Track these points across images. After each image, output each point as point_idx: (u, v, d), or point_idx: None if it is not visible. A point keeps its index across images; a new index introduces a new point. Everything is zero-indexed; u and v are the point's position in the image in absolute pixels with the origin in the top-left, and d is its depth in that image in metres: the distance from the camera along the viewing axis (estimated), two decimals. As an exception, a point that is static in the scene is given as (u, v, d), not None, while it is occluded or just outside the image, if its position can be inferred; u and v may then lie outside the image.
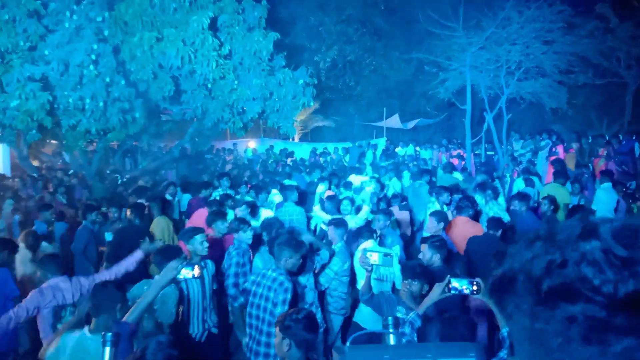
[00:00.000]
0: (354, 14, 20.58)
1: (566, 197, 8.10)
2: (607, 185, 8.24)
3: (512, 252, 0.53)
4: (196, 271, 3.16)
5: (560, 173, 8.79)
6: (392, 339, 2.13)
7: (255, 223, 6.18)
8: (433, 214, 5.95)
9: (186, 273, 3.16)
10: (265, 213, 7.19)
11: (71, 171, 12.84)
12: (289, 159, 16.54)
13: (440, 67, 15.71)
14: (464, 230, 6.11)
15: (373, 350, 1.65)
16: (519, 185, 9.57)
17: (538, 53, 13.56)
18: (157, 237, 6.70)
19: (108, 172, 13.22)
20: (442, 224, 5.75)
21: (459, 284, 2.87)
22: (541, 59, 13.67)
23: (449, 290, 2.88)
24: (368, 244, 5.37)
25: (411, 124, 20.62)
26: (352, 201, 7.52)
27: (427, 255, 4.41)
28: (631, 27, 16.49)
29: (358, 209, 7.64)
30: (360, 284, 4.47)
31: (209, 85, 11.93)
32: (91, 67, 10.59)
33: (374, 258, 3.89)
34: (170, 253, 4.26)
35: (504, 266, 0.53)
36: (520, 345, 0.51)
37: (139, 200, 7.52)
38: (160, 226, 6.81)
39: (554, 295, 0.47)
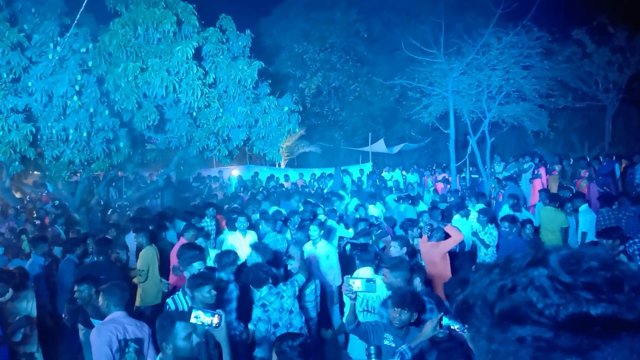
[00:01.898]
0: (337, 42, 20.92)
1: (564, 221, 8.16)
2: (584, 206, 8.37)
3: (474, 279, 0.56)
4: (215, 320, 2.95)
5: (554, 197, 8.85)
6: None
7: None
8: (396, 238, 6.11)
9: (204, 319, 2.94)
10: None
11: (57, 202, 12.66)
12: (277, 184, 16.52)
13: (423, 92, 15.97)
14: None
15: None
16: (505, 209, 9.64)
17: (518, 78, 13.87)
18: (141, 267, 6.58)
19: (92, 203, 13.06)
20: (405, 249, 5.89)
21: (450, 322, 2.89)
22: (521, 84, 13.98)
23: (441, 327, 2.89)
24: (365, 271, 5.30)
25: (396, 149, 20.81)
26: (321, 226, 7.42)
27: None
28: (607, 52, 17.00)
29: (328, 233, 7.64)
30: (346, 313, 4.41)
31: (194, 114, 11.95)
32: (75, 97, 10.56)
33: (357, 285, 3.83)
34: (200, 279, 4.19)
35: (465, 292, 0.56)
36: None
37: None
38: (146, 256, 6.69)
39: (506, 318, 0.49)
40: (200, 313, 2.95)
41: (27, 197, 13.95)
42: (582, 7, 19.05)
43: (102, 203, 13.04)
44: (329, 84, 21.32)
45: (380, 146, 20.40)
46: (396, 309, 3.72)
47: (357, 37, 21.51)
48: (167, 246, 7.54)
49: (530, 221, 7.69)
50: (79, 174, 13.04)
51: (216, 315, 2.94)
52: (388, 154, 21.47)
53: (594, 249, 0.53)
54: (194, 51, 11.41)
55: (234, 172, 19.49)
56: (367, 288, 3.80)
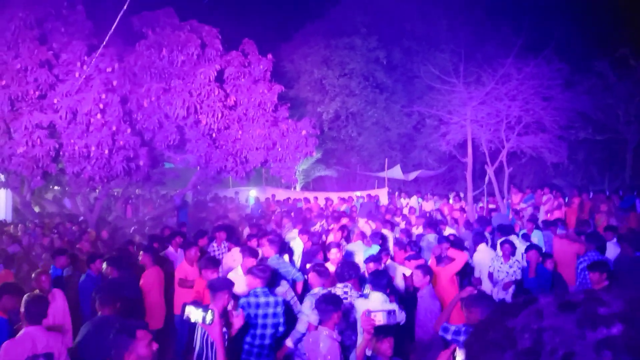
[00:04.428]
0: (356, 69, 21.11)
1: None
2: (613, 240, 8.15)
3: (549, 325, 0.53)
4: (208, 316, 2.89)
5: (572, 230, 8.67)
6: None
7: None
8: (418, 267, 5.96)
9: (196, 315, 2.90)
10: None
11: (81, 218, 12.76)
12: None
13: (441, 120, 15.97)
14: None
15: None
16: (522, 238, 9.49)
17: (538, 108, 13.82)
18: (143, 288, 6.50)
19: (110, 219, 13.20)
20: (428, 277, 5.77)
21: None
22: (541, 115, 13.91)
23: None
24: (377, 297, 5.01)
25: (413, 175, 20.73)
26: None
27: None
28: (629, 85, 16.88)
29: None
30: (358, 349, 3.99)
31: (214, 135, 12.12)
32: (99, 115, 10.78)
33: (379, 318, 3.61)
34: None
35: (532, 336, 0.53)
36: None
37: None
38: (149, 278, 6.63)
39: None
40: (192, 309, 2.92)
41: (46, 212, 14.13)
42: (603, 39, 19.04)
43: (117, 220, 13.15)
44: (347, 109, 21.46)
45: (396, 172, 20.35)
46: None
47: (376, 64, 21.69)
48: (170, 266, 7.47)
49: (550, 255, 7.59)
50: (98, 191, 13.22)
51: (209, 312, 2.91)
52: (404, 181, 21.39)
53: None
54: (216, 74, 11.63)
55: (252, 192, 19.58)
56: (389, 320, 3.63)
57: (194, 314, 2.93)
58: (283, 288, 5.72)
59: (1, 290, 4.94)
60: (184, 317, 2.95)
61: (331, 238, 8.63)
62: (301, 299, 5.80)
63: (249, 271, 5.12)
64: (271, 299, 4.87)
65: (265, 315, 4.78)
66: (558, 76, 13.85)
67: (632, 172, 17.30)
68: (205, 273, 5.73)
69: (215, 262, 5.93)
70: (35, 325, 4.05)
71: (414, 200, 17.72)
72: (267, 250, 7.00)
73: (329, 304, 4.13)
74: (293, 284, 6.52)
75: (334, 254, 6.75)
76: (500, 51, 15.52)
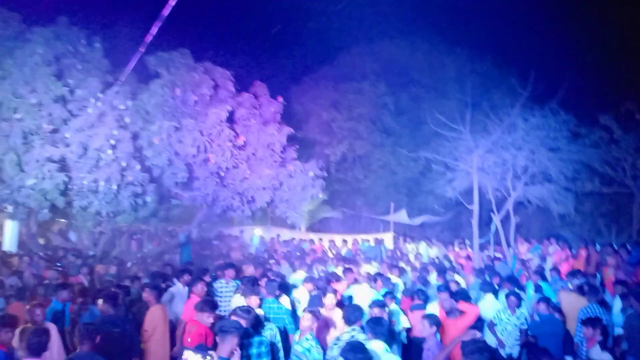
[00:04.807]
0: (364, 113, 21.44)
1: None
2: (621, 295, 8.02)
3: None
4: None
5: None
6: None
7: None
8: (425, 317, 5.86)
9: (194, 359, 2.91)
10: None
11: (91, 252, 12.71)
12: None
13: (447, 166, 16.02)
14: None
15: None
16: (529, 289, 9.36)
17: (544, 159, 13.85)
18: (146, 327, 6.36)
19: (114, 254, 13.16)
20: (434, 328, 5.67)
21: None
22: (547, 165, 13.92)
23: None
24: (377, 345, 4.81)
25: (418, 220, 20.65)
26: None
27: None
28: (636, 139, 16.95)
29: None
30: None
31: (222, 173, 12.24)
32: (109, 151, 10.94)
33: None
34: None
35: None
36: None
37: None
38: (153, 316, 6.47)
39: None
40: (190, 353, 2.90)
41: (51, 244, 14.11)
42: (610, 93, 19.27)
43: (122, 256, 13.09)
44: (354, 152, 21.64)
45: (402, 216, 20.29)
46: None
47: (384, 109, 22.02)
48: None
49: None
50: (103, 225, 13.24)
51: (207, 357, 2.87)
52: (409, 225, 21.29)
53: None
54: (227, 114, 11.86)
55: (257, 231, 19.51)
56: None
57: (192, 358, 2.90)
58: (269, 332, 5.58)
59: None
60: None
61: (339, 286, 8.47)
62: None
63: (232, 312, 5.09)
64: (255, 339, 4.83)
65: (248, 357, 4.72)
66: (564, 128, 13.96)
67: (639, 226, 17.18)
68: (200, 316, 5.55)
69: (213, 306, 5.80)
70: (35, 358, 4.02)
71: (422, 247, 17.53)
72: (264, 291, 6.94)
73: (358, 353, 4.06)
74: (285, 333, 6.39)
75: (330, 300, 6.63)
76: (506, 100, 15.74)
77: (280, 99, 13.40)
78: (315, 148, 21.34)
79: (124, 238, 14.04)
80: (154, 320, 6.41)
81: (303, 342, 5.25)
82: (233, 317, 4.91)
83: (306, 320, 5.43)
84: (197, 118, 11.74)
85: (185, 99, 11.93)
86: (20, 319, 5.65)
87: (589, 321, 6.04)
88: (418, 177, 21.35)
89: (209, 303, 5.77)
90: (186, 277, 8.01)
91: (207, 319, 5.47)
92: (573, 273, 9.01)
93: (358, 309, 5.65)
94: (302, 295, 8.17)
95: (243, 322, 4.80)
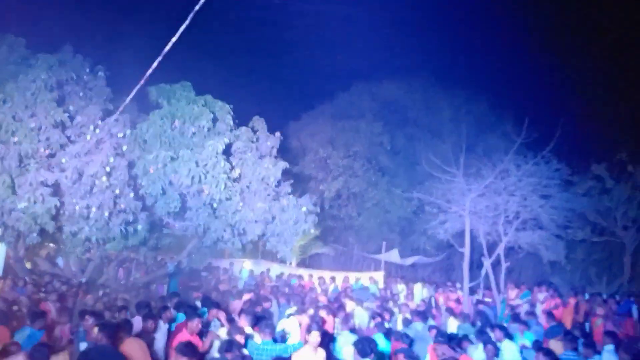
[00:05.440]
0: (360, 151, 21.68)
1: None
2: (610, 347, 7.96)
3: None
4: None
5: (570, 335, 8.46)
6: None
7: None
8: None
9: None
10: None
11: (83, 279, 12.53)
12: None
13: (440, 208, 16.11)
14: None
15: None
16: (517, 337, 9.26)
17: (535, 206, 13.97)
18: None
19: (100, 282, 13.01)
20: None
21: None
22: (539, 212, 14.04)
23: None
24: None
25: (410, 260, 20.59)
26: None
27: None
28: (627, 189, 17.15)
29: None
30: None
31: (215, 205, 12.22)
32: (104, 178, 10.95)
33: None
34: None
35: None
36: None
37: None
38: (132, 347, 6.29)
39: None
40: None
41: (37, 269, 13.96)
42: (603, 142, 19.61)
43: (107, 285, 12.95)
44: (348, 189, 21.75)
45: (393, 256, 20.24)
46: None
47: (380, 147, 22.28)
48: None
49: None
50: (92, 252, 13.13)
51: None
52: (401, 265, 21.21)
53: None
54: (224, 147, 11.94)
55: (246, 264, 19.37)
56: None
57: None
58: None
59: None
60: None
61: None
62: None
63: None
64: None
65: None
66: (556, 176, 14.14)
67: (630, 277, 17.18)
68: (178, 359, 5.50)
69: (195, 352, 5.72)
70: None
71: (417, 288, 17.32)
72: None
73: None
74: None
75: (315, 337, 6.54)
76: (500, 146, 15.98)
77: (278, 134, 13.51)
78: (310, 183, 21.45)
79: (112, 266, 13.90)
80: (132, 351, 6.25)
81: None
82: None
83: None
84: (194, 149, 11.81)
85: (184, 130, 12.03)
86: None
87: None
88: (411, 216, 21.42)
89: (190, 347, 5.70)
90: (168, 314, 7.89)
91: None
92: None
93: (372, 341, 5.96)
94: (292, 327, 8.13)
95: None
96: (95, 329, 6.19)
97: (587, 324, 10.47)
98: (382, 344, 7.84)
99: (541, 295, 12.73)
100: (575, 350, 7.00)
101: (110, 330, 6.21)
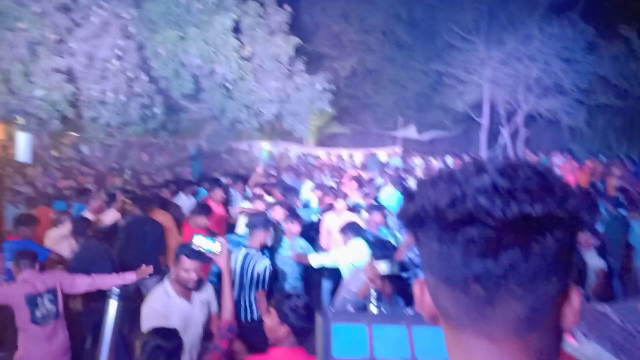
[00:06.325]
0: (375, 24, 20.69)
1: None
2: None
3: (419, 193, 0.64)
4: (217, 246, 2.96)
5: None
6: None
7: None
8: None
9: (205, 244, 2.96)
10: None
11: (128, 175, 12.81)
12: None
13: (458, 79, 15.75)
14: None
15: (354, 314, 1.75)
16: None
17: (558, 70, 13.53)
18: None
19: (125, 165, 13.45)
20: None
21: None
22: (561, 77, 13.64)
23: None
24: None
25: (427, 135, 20.61)
26: None
27: None
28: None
29: None
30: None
31: (228, 86, 12.14)
32: (115, 61, 10.85)
33: (382, 268, 3.66)
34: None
35: (415, 204, 0.64)
36: (430, 266, 0.64)
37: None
38: (160, 216, 6.44)
39: (457, 222, 0.58)
40: (201, 238, 3.04)
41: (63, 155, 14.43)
42: (632, 4, 18.31)
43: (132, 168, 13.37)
44: (364, 66, 21.17)
45: (410, 131, 20.26)
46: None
47: (396, 20, 21.19)
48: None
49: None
50: (114, 138, 13.43)
51: (217, 242, 3.04)
52: (418, 140, 21.27)
53: (525, 160, 0.64)
54: (233, 23, 11.55)
55: (265, 145, 19.69)
56: (392, 270, 3.75)
57: (204, 242, 3.03)
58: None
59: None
60: (193, 247, 3.07)
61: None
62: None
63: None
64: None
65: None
66: (582, 38, 13.48)
67: (651, 141, 16.97)
68: (194, 220, 5.75)
69: (208, 210, 5.97)
70: (30, 269, 4.15)
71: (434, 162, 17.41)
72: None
73: None
74: None
75: (340, 204, 6.74)
76: (524, 11, 15.09)
77: (288, 7, 12.93)
78: (323, 61, 20.87)
79: (135, 150, 14.27)
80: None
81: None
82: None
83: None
84: (201, 27, 11.46)
85: (189, 7, 11.59)
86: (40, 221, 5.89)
87: None
88: (428, 91, 21.00)
89: (205, 207, 5.99)
90: (192, 188, 8.21)
91: (201, 222, 5.67)
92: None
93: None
94: (313, 197, 8.42)
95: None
96: (130, 202, 6.56)
97: (601, 184, 10.58)
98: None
99: (558, 160, 12.80)
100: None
101: (142, 202, 6.54)
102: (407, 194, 0.67)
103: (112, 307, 2.57)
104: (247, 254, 4.54)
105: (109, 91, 11.00)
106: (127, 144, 14.13)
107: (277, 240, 5.30)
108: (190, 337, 3.30)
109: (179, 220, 6.66)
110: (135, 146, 14.39)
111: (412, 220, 0.65)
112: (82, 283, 4.40)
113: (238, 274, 4.46)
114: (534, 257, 0.57)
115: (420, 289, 0.70)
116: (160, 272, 4.92)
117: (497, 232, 0.57)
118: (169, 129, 13.48)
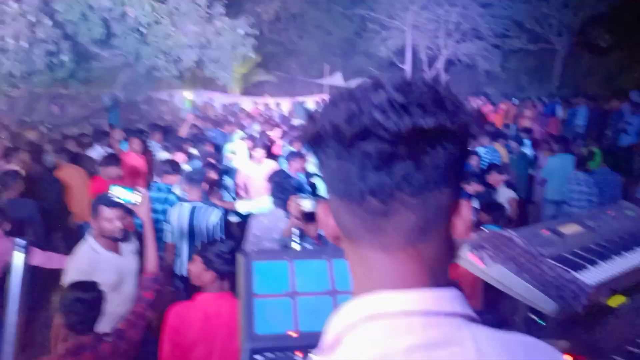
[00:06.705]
0: (298, -34, 20.08)
1: (505, 156, 8.36)
2: (528, 142, 8.67)
3: (320, 113, 0.65)
4: (135, 196, 2.86)
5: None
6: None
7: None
8: None
9: (123, 194, 2.87)
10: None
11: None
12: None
13: (382, 25, 15.78)
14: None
15: (274, 253, 1.78)
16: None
17: (475, 15, 13.90)
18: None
19: (32, 119, 12.48)
20: None
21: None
22: (478, 22, 14.04)
23: None
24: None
25: (353, 83, 20.65)
26: None
27: None
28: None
29: None
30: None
31: (142, 30, 11.41)
32: (13, 3, 9.85)
33: (306, 205, 3.80)
34: None
35: (315, 124, 0.64)
36: (331, 184, 0.66)
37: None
38: (68, 173, 6.12)
39: (354, 138, 0.60)
40: (118, 188, 2.92)
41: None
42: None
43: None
44: (287, 10, 20.64)
45: (337, 79, 20.22)
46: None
47: (319, -38, 20.67)
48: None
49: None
50: (20, 89, 12.36)
51: (135, 192, 2.93)
52: (344, 88, 21.31)
53: (421, 75, 0.66)
54: (143, -39, 10.75)
55: (187, 94, 18.94)
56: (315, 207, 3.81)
57: (121, 193, 2.90)
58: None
59: None
60: (110, 197, 2.93)
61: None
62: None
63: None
64: None
65: None
66: (497, -18, 13.87)
67: (560, 83, 18.07)
68: (105, 171, 5.50)
69: (116, 160, 5.67)
70: None
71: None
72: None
73: None
74: None
75: (258, 152, 6.65)
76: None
77: (203, -55, 12.17)
78: (245, 5, 20.06)
79: (43, 102, 13.26)
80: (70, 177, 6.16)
81: None
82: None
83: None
84: (109, -35, 10.58)
85: (94, -57, 10.61)
86: None
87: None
88: (353, 37, 20.93)
89: (113, 156, 5.73)
90: (108, 139, 7.75)
91: (113, 172, 5.41)
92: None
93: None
94: (239, 148, 8.26)
95: None
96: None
97: (513, 126, 11.22)
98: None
99: (475, 103, 13.35)
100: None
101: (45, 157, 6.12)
102: (309, 116, 0.66)
103: (18, 259, 2.41)
104: (194, 207, 4.48)
105: (9, 37, 10.02)
106: (35, 95, 13.05)
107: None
108: (128, 290, 3.23)
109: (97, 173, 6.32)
110: (43, 97, 13.32)
111: (313, 140, 0.65)
112: None
113: (186, 228, 4.42)
114: (425, 168, 0.60)
115: (323, 211, 0.70)
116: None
117: (391, 145, 0.58)
118: (80, 78, 12.58)
